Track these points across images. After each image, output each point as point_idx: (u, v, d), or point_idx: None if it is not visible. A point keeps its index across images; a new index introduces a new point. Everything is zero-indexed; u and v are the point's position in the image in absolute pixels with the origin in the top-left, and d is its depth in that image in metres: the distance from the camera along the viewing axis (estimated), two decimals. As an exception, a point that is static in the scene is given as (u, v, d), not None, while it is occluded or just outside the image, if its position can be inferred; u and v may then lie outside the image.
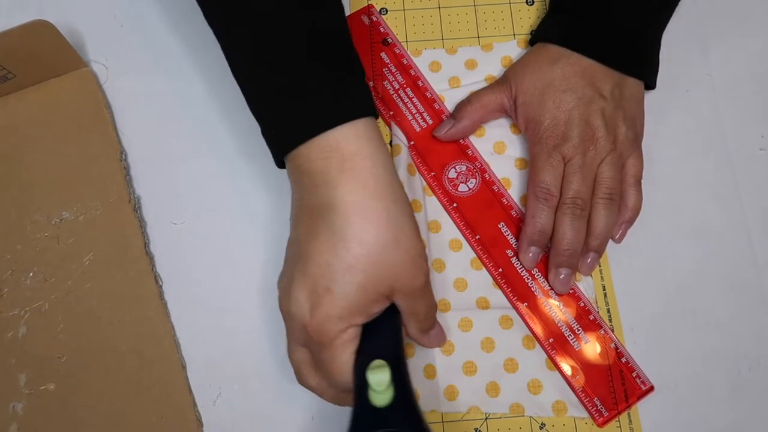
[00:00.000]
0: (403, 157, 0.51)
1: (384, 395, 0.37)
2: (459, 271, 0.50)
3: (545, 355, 0.47)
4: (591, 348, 0.48)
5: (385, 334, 0.40)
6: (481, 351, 0.48)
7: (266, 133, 0.43)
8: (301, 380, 0.42)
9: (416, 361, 0.47)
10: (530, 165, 0.49)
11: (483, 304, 0.49)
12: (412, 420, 0.37)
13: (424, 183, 0.52)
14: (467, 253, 0.50)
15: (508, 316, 0.48)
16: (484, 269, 0.50)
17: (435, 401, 0.46)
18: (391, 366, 0.37)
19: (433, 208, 0.51)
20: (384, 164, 0.40)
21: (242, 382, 0.47)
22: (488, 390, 0.47)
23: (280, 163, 0.43)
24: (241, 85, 0.44)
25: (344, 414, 0.46)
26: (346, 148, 0.39)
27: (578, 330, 0.48)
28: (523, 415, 0.46)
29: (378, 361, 0.38)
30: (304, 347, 0.40)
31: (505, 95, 0.50)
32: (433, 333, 0.44)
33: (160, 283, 0.49)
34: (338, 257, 0.37)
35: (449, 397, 0.47)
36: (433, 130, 0.52)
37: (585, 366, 0.47)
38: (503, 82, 0.51)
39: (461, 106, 0.52)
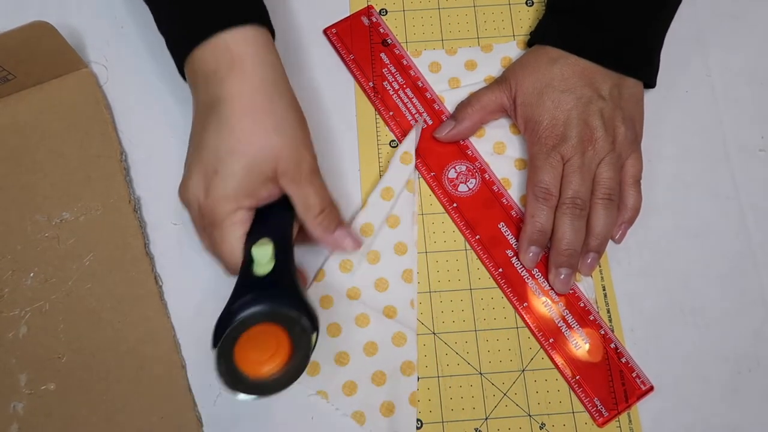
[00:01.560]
0: (407, 170, 0.51)
1: (265, 267, 0.40)
2: (389, 273, 0.49)
3: (416, 388, 0.47)
4: (591, 348, 0.48)
5: (276, 220, 0.43)
6: (361, 351, 0.47)
7: (169, 47, 0.46)
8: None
9: None
10: (529, 165, 0.49)
11: (389, 313, 0.48)
12: (287, 285, 0.40)
13: (410, 177, 0.51)
14: (405, 261, 0.49)
15: (404, 335, 0.48)
16: (411, 285, 0.49)
17: None
18: (275, 243, 0.41)
19: (401, 206, 0.50)
20: (271, 65, 0.44)
21: (242, 382, 0.47)
22: (345, 386, 0.47)
23: (183, 74, 0.46)
24: (149, 5, 0.48)
25: (343, 416, 0.46)
26: (235, 49, 0.42)
27: (578, 330, 0.48)
28: (362, 426, 0.46)
29: (263, 239, 0.41)
30: (201, 235, 0.44)
31: (505, 95, 0.50)
32: (339, 233, 0.45)
33: (160, 284, 0.49)
34: (224, 142, 0.41)
35: (309, 371, 0.47)
36: (433, 132, 0.52)
37: (585, 366, 0.47)
38: (502, 82, 0.51)
39: (461, 107, 0.52)
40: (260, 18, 0.45)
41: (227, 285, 0.49)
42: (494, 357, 0.48)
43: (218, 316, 0.39)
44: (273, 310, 0.38)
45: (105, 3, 0.55)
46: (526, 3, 0.57)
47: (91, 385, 0.46)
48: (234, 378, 0.37)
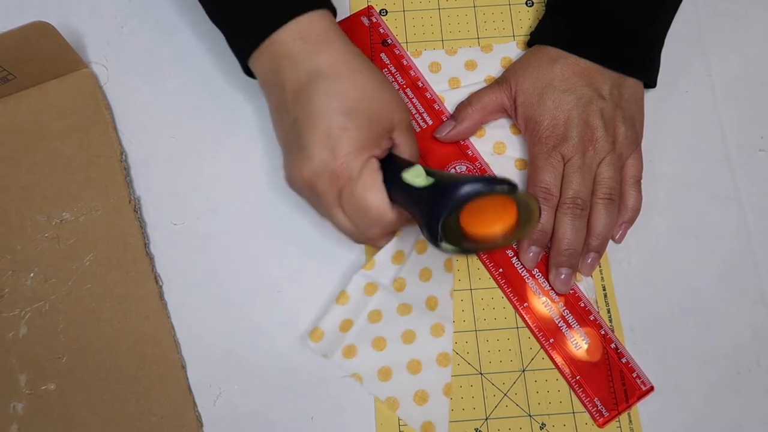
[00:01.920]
0: None
1: (426, 181, 0.41)
2: (432, 263, 0.49)
3: (450, 380, 0.47)
4: (591, 348, 0.48)
5: (397, 168, 0.43)
6: (399, 337, 0.48)
7: (234, 36, 0.46)
8: (358, 236, 0.45)
9: (341, 310, 0.47)
10: (530, 165, 0.49)
11: (431, 304, 0.49)
12: (460, 177, 0.40)
13: None
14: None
15: (443, 326, 0.48)
16: (452, 275, 0.49)
17: (331, 349, 0.47)
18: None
19: None
20: (349, 40, 0.45)
21: (242, 382, 0.47)
22: (380, 371, 0.47)
23: (247, 69, 0.46)
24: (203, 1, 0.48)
25: (344, 415, 0.46)
26: (317, 26, 0.43)
27: (578, 330, 0.48)
28: (395, 412, 0.46)
29: (406, 169, 0.42)
30: (338, 207, 0.43)
31: (505, 95, 0.50)
32: None
33: (160, 284, 0.49)
34: (342, 104, 0.42)
35: (345, 353, 0.47)
36: (433, 132, 0.52)
37: (585, 366, 0.47)
38: (503, 82, 0.51)
39: (461, 107, 0.52)
40: (328, 2, 0.45)
41: (227, 285, 0.49)
42: (494, 357, 0.48)
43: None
44: (484, 184, 0.38)
45: (105, 3, 0.56)
46: (526, 3, 0.57)
47: (91, 385, 0.46)
48: (466, 244, 0.40)
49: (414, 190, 0.41)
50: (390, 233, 0.46)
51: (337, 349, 0.47)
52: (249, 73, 0.46)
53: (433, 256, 0.49)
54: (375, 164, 0.43)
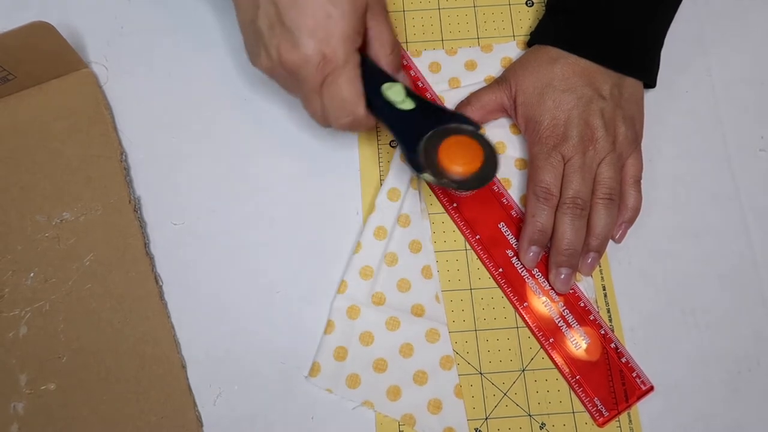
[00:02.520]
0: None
1: (407, 103, 0.44)
2: (408, 273, 0.49)
3: (458, 381, 0.47)
4: (591, 348, 0.48)
5: (375, 70, 0.45)
6: (398, 354, 0.47)
7: None
8: (325, 122, 0.45)
9: (331, 339, 0.47)
10: (530, 165, 0.49)
11: (417, 311, 0.49)
12: (445, 110, 0.45)
13: (413, 175, 0.51)
14: (423, 258, 0.50)
15: (437, 331, 0.48)
16: (432, 280, 0.49)
17: (334, 382, 0.47)
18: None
19: (409, 203, 0.51)
20: None
21: (242, 382, 0.47)
22: (388, 392, 0.47)
23: None
24: None
25: (344, 415, 0.46)
26: None
27: (578, 330, 0.48)
28: (413, 428, 0.46)
29: (386, 83, 0.44)
30: (318, 93, 0.44)
31: (505, 95, 0.50)
32: (404, 77, 0.47)
33: (160, 284, 0.49)
34: None
35: (350, 384, 0.47)
36: (433, 131, 0.52)
37: (585, 366, 0.47)
38: (502, 81, 0.51)
39: (461, 107, 0.52)
40: None
41: (227, 285, 0.49)
42: (494, 357, 0.48)
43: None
44: (460, 124, 0.43)
45: (105, 3, 0.56)
46: (526, 3, 0.57)
47: (91, 385, 0.46)
48: (438, 173, 0.43)
49: (395, 110, 0.44)
50: (354, 127, 0.46)
51: (340, 382, 0.47)
52: None
53: (408, 267, 0.49)
54: (358, 57, 0.43)
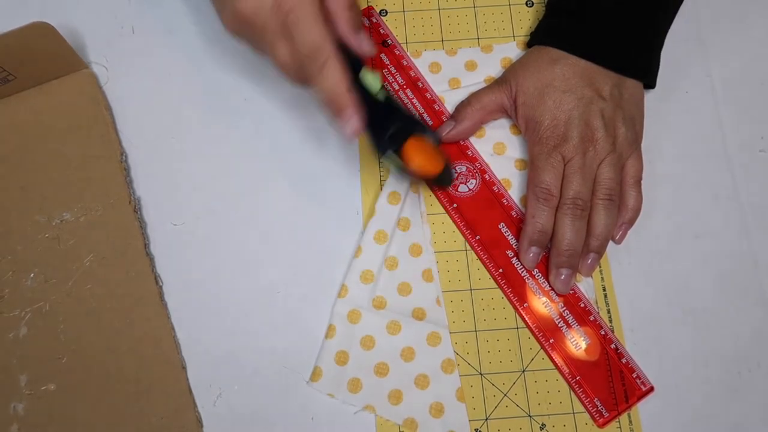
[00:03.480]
0: None
1: (381, 94, 0.46)
2: (409, 277, 0.49)
3: (460, 384, 0.47)
4: (591, 348, 0.48)
5: (351, 55, 0.44)
6: (399, 357, 0.47)
7: None
8: (295, 72, 0.43)
9: (332, 344, 0.47)
10: (530, 165, 0.49)
11: (418, 315, 0.48)
12: (411, 113, 0.48)
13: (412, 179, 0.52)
14: (424, 261, 0.50)
15: (438, 334, 0.48)
16: (433, 283, 0.49)
17: (335, 386, 0.47)
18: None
19: (409, 207, 0.51)
20: None
21: (242, 382, 0.47)
22: (390, 396, 0.47)
23: None
24: None
25: (344, 415, 0.46)
26: None
27: (578, 330, 0.48)
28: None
29: (365, 69, 0.45)
30: (283, 36, 0.42)
31: (505, 95, 0.50)
32: (362, 36, 0.44)
33: (160, 284, 0.49)
34: None
35: (351, 388, 0.47)
36: (433, 132, 0.52)
37: (585, 366, 0.47)
38: (503, 82, 0.51)
39: (461, 107, 0.52)
40: None
41: (227, 285, 0.49)
42: (494, 357, 0.48)
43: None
44: (422, 127, 0.46)
45: (105, 3, 0.56)
46: (526, 4, 0.57)
47: (91, 386, 0.46)
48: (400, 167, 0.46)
49: (369, 97, 0.45)
50: (324, 73, 0.42)
51: (342, 386, 0.47)
52: None
53: (408, 270, 0.49)
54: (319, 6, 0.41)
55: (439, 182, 0.51)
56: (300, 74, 0.43)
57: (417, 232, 0.50)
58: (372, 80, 0.45)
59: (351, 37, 0.43)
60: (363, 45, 0.44)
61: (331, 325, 0.48)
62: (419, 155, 0.45)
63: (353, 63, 0.44)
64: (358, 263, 0.49)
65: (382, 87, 0.45)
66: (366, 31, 0.50)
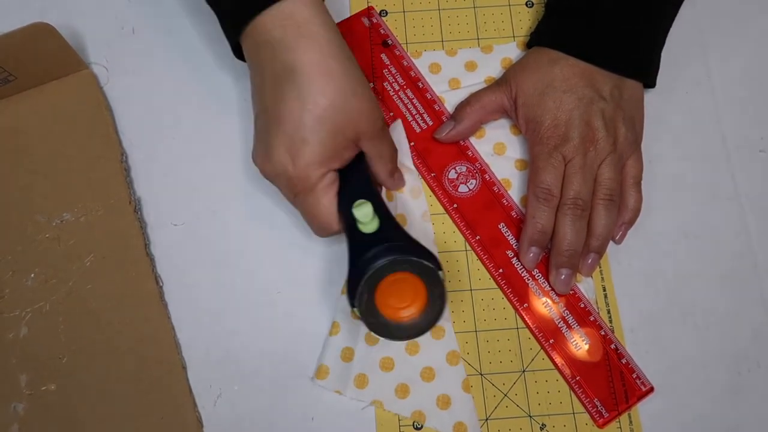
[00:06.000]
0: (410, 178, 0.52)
1: (370, 225, 0.43)
2: None
3: (465, 375, 0.47)
4: (591, 349, 0.48)
5: (360, 179, 0.45)
6: (404, 351, 0.48)
7: (223, 18, 0.46)
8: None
9: (337, 340, 0.47)
10: (530, 165, 0.49)
11: None
12: (399, 236, 0.43)
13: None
14: None
15: (442, 327, 0.48)
16: None
17: (342, 383, 0.47)
18: (371, 202, 0.43)
19: (401, 206, 0.51)
20: (334, 29, 0.44)
21: (242, 382, 0.47)
22: (397, 390, 0.47)
23: (237, 48, 0.46)
24: None
25: (344, 415, 0.46)
26: (299, 15, 0.43)
27: (578, 331, 0.48)
28: (422, 425, 0.46)
29: (360, 200, 0.43)
30: (295, 204, 0.46)
31: (505, 96, 0.50)
32: (398, 175, 0.49)
33: (161, 284, 0.49)
34: (308, 111, 0.42)
35: (357, 384, 0.47)
36: (433, 132, 0.52)
37: (585, 367, 0.47)
38: (503, 83, 0.51)
39: (461, 107, 0.52)
40: None
41: (227, 285, 0.49)
42: (494, 358, 0.48)
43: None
44: (402, 258, 0.41)
45: (105, 4, 0.56)
46: (526, 4, 0.57)
47: (91, 386, 0.46)
48: (380, 325, 0.41)
49: (356, 230, 0.43)
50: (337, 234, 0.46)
51: (349, 383, 0.47)
52: (238, 56, 0.47)
53: None
54: (331, 178, 0.44)
55: (417, 327, 0.42)
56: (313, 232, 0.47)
57: (418, 231, 0.50)
58: (361, 214, 0.42)
59: (388, 184, 0.49)
60: (397, 183, 0.50)
61: (335, 322, 0.48)
62: (389, 302, 0.41)
63: (359, 188, 0.45)
64: None
65: (375, 217, 0.43)
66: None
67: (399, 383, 0.47)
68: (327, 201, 0.44)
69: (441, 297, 0.41)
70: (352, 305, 0.42)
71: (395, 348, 0.48)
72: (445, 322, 0.48)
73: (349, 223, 0.43)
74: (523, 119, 0.50)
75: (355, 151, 0.45)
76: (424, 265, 0.41)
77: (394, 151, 0.48)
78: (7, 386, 0.46)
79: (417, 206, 0.51)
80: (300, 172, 0.43)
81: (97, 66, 0.54)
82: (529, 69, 0.50)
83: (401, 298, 0.42)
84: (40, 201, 0.50)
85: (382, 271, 0.41)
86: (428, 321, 0.42)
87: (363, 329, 0.48)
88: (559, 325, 0.48)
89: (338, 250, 0.50)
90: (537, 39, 0.52)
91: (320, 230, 0.45)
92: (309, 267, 0.50)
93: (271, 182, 0.45)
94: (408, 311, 0.42)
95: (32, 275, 0.48)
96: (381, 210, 0.44)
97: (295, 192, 0.44)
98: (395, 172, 0.49)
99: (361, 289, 0.41)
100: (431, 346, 0.48)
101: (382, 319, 0.41)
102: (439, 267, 0.42)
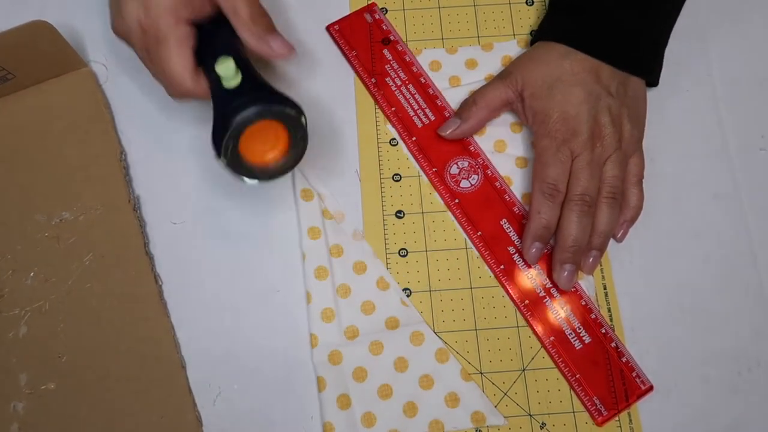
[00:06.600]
0: (314, 206, 0.51)
1: (234, 80, 0.42)
2: (366, 294, 0.49)
3: (460, 366, 0.47)
4: (591, 347, 0.48)
5: (223, 38, 0.44)
6: (395, 372, 0.47)
7: None
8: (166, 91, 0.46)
9: (329, 394, 0.47)
10: (536, 160, 0.49)
11: (392, 324, 0.48)
12: (263, 88, 0.43)
13: (323, 206, 0.51)
14: (372, 274, 0.49)
15: (418, 331, 0.48)
16: (391, 288, 0.49)
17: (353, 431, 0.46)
18: (234, 58, 0.42)
19: (333, 233, 0.50)
20: None
21: (242, 382, 0.47)
22: (405, 411, 0.46)
23: None
24: None
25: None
26: None
27: (579, 328, 0.48)
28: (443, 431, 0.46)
29: (223, 56, 0.42)
30: (149, 60, 0.44)
31: (510, 89, 0.50)
32: (275, 42, 0.45)
33: (160, 283, 0.49)
34: None
35: (367, 424, 0.46)
36: (437, 128, 0.52)
37: (585, 365, 0.47)
38: (507, 76, 0.50)
39: (466, 106, 0.51)
40: None
41: (227, 284, 0.49)
42: (494, 356, 0.48)
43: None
44: (265, 108, 0.41)
45: (104, 2, 0.55)
46: (527, 2, 0.57)
47: (91, 385, 0.46)
48: (246, 171, 0.43)
49: (220, 86, 0.42)
50: (189, 98, 0.45)
51: (358, 427, 0.46)
52: None
53: (362, 289, 0.49)
54: (184, 31, 0.43)
55: (279, 168, 0.44)
56: (168, 94, 0.46)
57: (353, 252, 0.50)
58: (223, 69, 0.42)
59: (261, 50, 0.45)
60: (277, 51, 0.45)
61: (318, 377, 0.47)
62: (252, 148, 0.42)
63: (222, 46, 0.44)
64: (313, 308, 0.48)
65: (239, 72, 0.42)
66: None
67: (404, 403, 0.46)
68: (180, 55, 0.43)
69: (303, 139, 0.43)
70: (218, 156, 0.42)
71: (385, 373, 0.47)
72: (419, 325, 0.48)
73: (214, 83, 0.43)
74: (530, 111, 0.50)
75: (209, 5, 0.44)
76: (286, 112, 0.42)
77: (254, 9, 0.44)
78: (7, 385, 0.46)
79: (348, 226, 0.51)
80: (151, 20, 0.42)
81: (96, 64, 0.54)
82: (537, 61, 0.50)
83: (264, 143, 0.43)
84: (39, 200, 0.50)
85: (247, 122, 0.41)
86: (293, 160, 0.44)
87: (347, 370, 0.47)
88: (560, 323, 0.48)
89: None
90: (543, 34, 0.52)
91: (172, 88, 0.44)
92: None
93: (126, 43, 0.45)
94: (272, 154, 0.43)
95: (32, 274, 0.48)
96: (243, 65, 0.43)
97: (147, 46, 0.43)
98: (266, 35, 0.44)
99: (226, 142, 0.41)
100: (417, 355, 0.47)
101: (248, 165, 0.43)
102: (301, 113, 0.42)
